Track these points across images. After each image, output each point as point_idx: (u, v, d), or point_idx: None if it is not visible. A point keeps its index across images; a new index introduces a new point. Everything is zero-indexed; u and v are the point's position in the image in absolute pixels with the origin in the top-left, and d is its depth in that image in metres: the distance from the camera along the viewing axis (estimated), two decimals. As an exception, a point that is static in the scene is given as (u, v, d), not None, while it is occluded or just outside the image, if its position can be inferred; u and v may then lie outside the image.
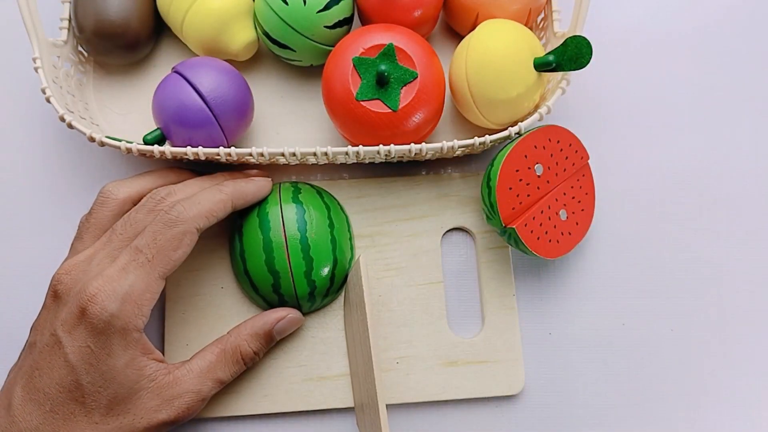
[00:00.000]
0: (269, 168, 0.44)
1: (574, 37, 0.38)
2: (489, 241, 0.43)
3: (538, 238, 0.39)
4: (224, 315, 0.41)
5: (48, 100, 0.39)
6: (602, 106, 0.47)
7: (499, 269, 0.43)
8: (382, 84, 0.38)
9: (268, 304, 0.41)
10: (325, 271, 0.40)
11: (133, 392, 0.34)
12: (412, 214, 0.43)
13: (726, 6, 0.49)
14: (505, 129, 0.40)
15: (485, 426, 0.41)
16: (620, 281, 0.44)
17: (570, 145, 0.41)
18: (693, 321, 0.43)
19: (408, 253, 0.43)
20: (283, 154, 0.38)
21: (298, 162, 0.41)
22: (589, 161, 0.43)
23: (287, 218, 0.39)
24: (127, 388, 0.34)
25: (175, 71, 0.40)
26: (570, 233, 0.41)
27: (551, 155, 0.40)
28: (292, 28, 0.40)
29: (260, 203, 0.40)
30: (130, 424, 0.34)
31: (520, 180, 0.39)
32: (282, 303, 0.40)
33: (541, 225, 0.40)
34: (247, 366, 0.39)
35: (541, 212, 0.40)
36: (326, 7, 0.40)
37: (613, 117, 0.47)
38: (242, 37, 0.42)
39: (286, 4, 0.40)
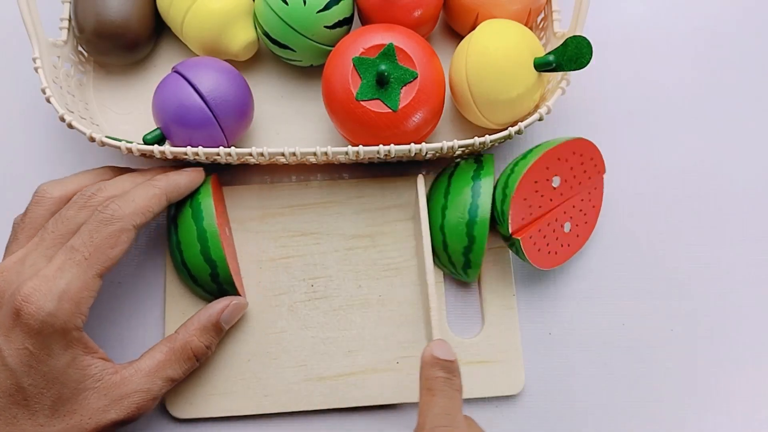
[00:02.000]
0: (269, 168, 0.45)
1: (574, 37, 0.38)
2: (489, 241, 0.43)
3: (539, 250, 0.40)
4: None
5: (48, 100, 0.39)
6: (602, 106, 0.47)
7: (499, 269, 0.43)
8: (382, 84, 0.38)
9: (209, 294, 0.41)
10: None
11: (77, 392, 0.34)
12: (412, 214, 0.43)
13: (726, 6, 0.49)
14: (505, 129, 0.40)
15: (485, 426, 0.41)
16: (620, 281, 0.44)
17: (591, 158, 0.42)
18: (693, 321, 0.43)
19: (408, 253, 0.43)
20: (283, 154, 0.38)
21: (298, 162, 0.41)
22: (604, 175, 0.43)
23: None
24: (71, 389, 0.34)
25: (175, 71, 0.40)
26: (569, 245, 0.41)
27: (571, 168, 0.40)
28: (292, 28, 0.40)
29: (193, 194, 0.40)
30: (77, 425, 0.34)
31: (537, 191, 0.39)
32: (222, 291, 0.40)
33: (544, 237, 0.40)
34: (200, 361, 0.38)
35: (548, 224, 0.40)
36: (326, 7, 0.40)
37: (613, 117, 0.47)
38: (242, 37, 0.42)
39: (286, 4, 0.40)
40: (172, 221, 0.40)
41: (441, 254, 0.41)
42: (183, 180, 0.39)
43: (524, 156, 0.40)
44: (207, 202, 0.39)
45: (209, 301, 0.41)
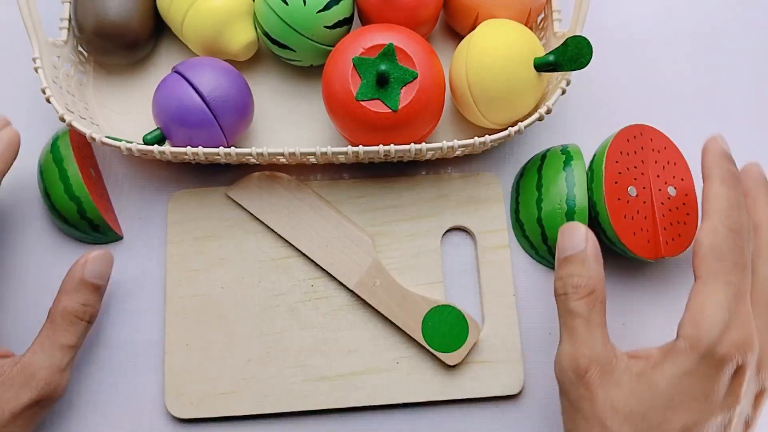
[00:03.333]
0: (269, 168, 0.44)
1: (575, 37, 0.38)
2: (489, 241, 0.43)
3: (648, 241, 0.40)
4: (224, 315, 0.41)
5: (48, 100, 0.39)
6: (602, 106, 0.47)
7: (499, 269, 0.43)
8: (382, 84, 0.38)
9: (85, 234, 0.42)
10: None
11: None
12: (412, 214, 0.43)
13: (726, 6, 0.49)
14: (505, 129, 0.40)
15: (485, 426, 0.41)
16: (620, 281, 0.44)
17: (651, 139, 0.42)
18: (693, 321, 0.43)
19: (408, 253, 0.43)
20: (283, 154, 0.38)
21: (298, 162, 0.41)
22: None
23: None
24: None
25: (175, 71, 0.40)
26: (685, 222, 0.41)
27: (642, 148, 0.41)
28: (292, 28, 0.40)
29: (53, 139, 0.41)
30: None
31: (621, 174, 0.40)
32: (95, 230, 0.41)
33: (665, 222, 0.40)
34: (88, 321, 0.38)
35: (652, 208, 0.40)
36: (326, 7, 0.40)
37: (613, 117, 0.47)
38: (242, 37, 0.42)
39: (286, 4, 0.40)
40: (38, 171, 0.41)
41: (540, 247, 0.42)
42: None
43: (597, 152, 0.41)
44: (65, 143, 0.40)
45: (88, 243, 0.43)
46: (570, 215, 0.40)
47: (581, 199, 0.40)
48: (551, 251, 0.42)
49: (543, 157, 0.43)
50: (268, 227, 0.43)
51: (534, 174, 0.43)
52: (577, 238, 0.35)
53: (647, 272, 0.44)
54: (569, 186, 0.41)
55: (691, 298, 0.32)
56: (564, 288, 0.34)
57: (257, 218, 0.43)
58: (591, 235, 0.35)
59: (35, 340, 0.37)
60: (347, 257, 0.41)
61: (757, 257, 0.34)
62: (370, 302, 0.41)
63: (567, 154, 0.42)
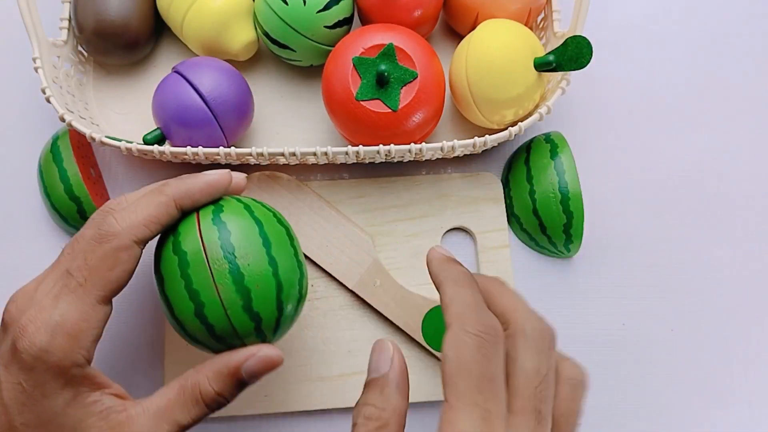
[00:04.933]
0: (269, 168, 0.44)
1: (575, 37, 0.38)
2: (489, 241, 0.43)
3: None
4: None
5: (48, 100, 0.39)
6: (602, 106, 0.47)
7: (499, 269, 0.43)
8: (382, 84, 0.38)
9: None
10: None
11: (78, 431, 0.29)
12: (412, 214, 0.43)
13: (726, 6, 0.49)
14: (505, 129, 0.40)
15: (485, 426, 0.41)
16: (620, 281, 0.44)
17: None
18: (693, 321, 0.43)
19: (408, 253, 0.43)
20: (283, 154, 0.38)
21: (298, 162, 0.41)
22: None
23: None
24: (70, 428, 0.29)
25: (175, 71, 0.40)
26: None
27: None
28: (292, 28, 0.40)
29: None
30: None
31: None
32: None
33: None
34: (211, 410, 0.31)
35: None
36: (326, 7, 0.40)
37: (613, 117, 0.47)
38: (242, 37, 0.42)
39: (286, 4, 0.40)
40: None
41: (539, 237, 0.42)
42: (198, 185, 0.32)
43: None
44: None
45: None
46: (565, 201, 0.41)
47: (573, 184, 0.41)
48: (551, 240, 0.42)
49: (528, 148, 0.44)
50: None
51: (522, 166, 0.43)
52: (381, 360, 0.30)
53: (647, 272, 0.44)
54: (559, 173, 0.41)
55: (439, 427, 0.27)
56: (355, 417, 0.29)
57: None
58: (398, 356, 0.30)
59: (154, 396, 0.31)
60: (347, 257, 0.41)
61: (513, 349, 0.29)
62: (370, 302, 0.41)
63: (552, 143, 0.42)
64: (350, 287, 0.41)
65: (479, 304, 0.30)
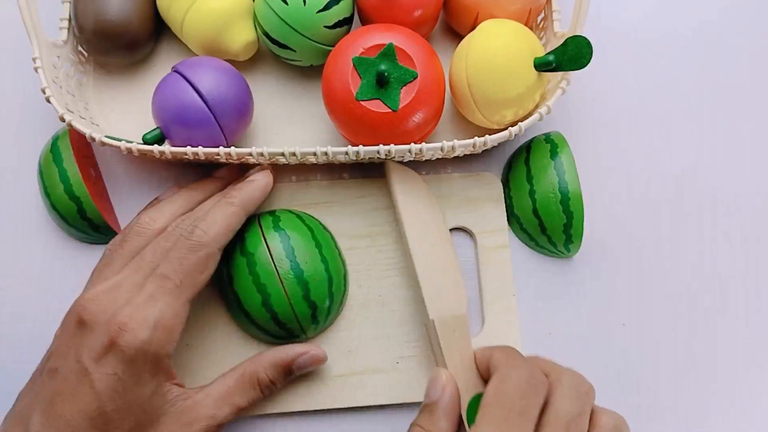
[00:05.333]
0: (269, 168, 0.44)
1: (575, 37, 0.38)
2: (489, 241, 0.43)
3: None
4: (225, 314, 0.41)
5: (48, 100, 0.39)
6: (602, 106, 0.47)
7: (499, 269, 0.43)
8: (382, 84, 0.38)
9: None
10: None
11: (155, 418, 0.34)
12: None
13: (726, 6, 0.49)
14: (505, 129, 0.40)
15: (485, 426, 0.41)
16: (620, 281, 0.44)
17: None
18: (693, 321, 0.43)
19: (408, 253, 0.43)
20: (283, 154, 0.38)
21: (298, 162, 0.41)
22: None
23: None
24: (151, 415, 0.34)
25: (175, 71, 0.40)
26: None
27: None
28: (292, 28, 0.40)
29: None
30: None
31: None
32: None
33: None
34: (264, 395, 0.38)
35: None
36: (326, 7, 0.40)
37: (613, 117, 0.47)
38: (242, 37, 0.42)
39: (286, 4, 0.40)
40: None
41: (539, 237, 0.42)
42: (257, 191, 0.39)
43: None
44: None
45: (89, 243, 0.43)
46: (565, 201, 0.41)
47: (573, 184, 0.41)
48: (551, 240, 0.42)
49: (528, 148, 0.44)
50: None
51: (522, 166, 0.43)
52: (435, 387, 0.34)
53: (647, 272, 0.44)
54: (559, 173, 0.41)
55: None
56: None
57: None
58: (451, 386, 0.34)
59: (214, 383, 0.37)
60: (446, 288, 0.39)
61: (550, 395, 0.32)
62: (437, 341, 0.37)
63: (552, 143, 0.42)
64: (431, 316, 0.38)
65: (526, 360, 0.33)
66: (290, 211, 0.42)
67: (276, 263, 0.38)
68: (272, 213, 0.41)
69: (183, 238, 0.35)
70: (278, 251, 0.39)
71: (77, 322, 0.34)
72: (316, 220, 0.42)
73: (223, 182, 0.42)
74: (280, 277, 0.38)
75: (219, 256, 0.36)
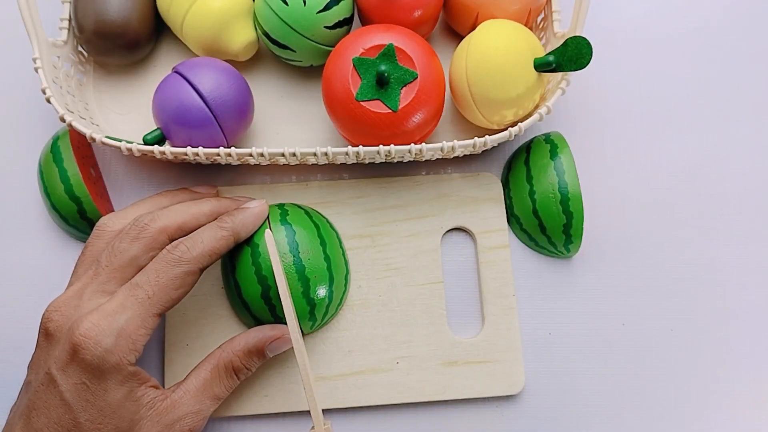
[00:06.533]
0: (269, 168, 0.45)
1: (575, 37, 0.38)
2: (489, 241, 0.43)
3: None
4: (224, 315, 0.42)
5: (48, 100, 0.39)
6: (602, 106, 0.47)
7: (499, 269, 0.43)
8: (382, 84, 0.38)
9: (82, 232, 0.41)
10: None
11: (133, 423, 0.34)
12: (412, 214, 0.43)
13: (726, 6, 0.49)
14: (505, 129, 0.40)
15: (485, 426, 0.41)
16: (620, 281, 0.44)
17: None
18: (693, 321, 0.43)
19: (408, 253, 0.43)
20: (283, 154, 0.39)
21: (298, 162, 0.41)
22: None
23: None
24: (128, 421, 0.33)
25: (176, 71, 0.40)
26: None
27: None
28: (292, 29, 0.40)
29: (53, 139, 0.40)
30: None
31: None
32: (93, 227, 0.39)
33: None
34: (240, 380, 0.38)
35: None
36: (326, 8, 0.40)
37: (613, 117, 0.47)
38: (242, 37, 0.42)
39: (286, 4, 0.40)
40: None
41: (539, 238, 0.42)
42: (250, 218, 0.38)
43: None
44: (65, 143, 0.39)
45: (85, 240, 0.43)
46: (565, 202, 0.41)
47: (573, 184, 0.41)
48: (551, 240, 0.42)
49: (528, 148, 0.44)
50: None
51: (522, 167, 0.43)
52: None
53: (647, 272, 0.44)
54: (559, 173, 0.41)
55: None
56: None
57: None
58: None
59: (188, 379, 0.36)
60: None
61: None
62: None
63: (552, 143, 0.42)
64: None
65: None
66: (299, 206, 0.41)
67: (279, 256, 0.38)
68: (281, 206, 0.41)
69: (165, 251, 0.34)
70: (283, 244, 0.38)
71: (44, 333, 0.34)
72: (324, 217, 0.42)
73: (197, 196, 0.41)
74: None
75: (197, 277, 0.35)
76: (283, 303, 0.36)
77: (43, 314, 0.34)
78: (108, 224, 0.37)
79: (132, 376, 0.33)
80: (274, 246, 0.37)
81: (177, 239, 0.36)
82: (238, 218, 0.38)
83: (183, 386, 0.36)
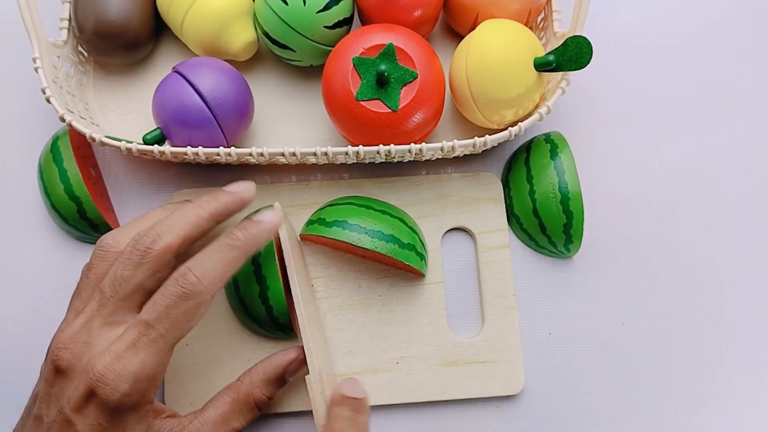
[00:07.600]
0: (269, 168, 0.45)
1: (575, 37, 0.38)
2: (489, 241, 0.43)
3: None
4: (224, 315, 0.42)
5: (48, 100, 0.39)
6: (602, 106, 0.47)
7: (499, 269, 0.43)
8: (382, 84, 0.38)
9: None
10: None
11: None
12: (412, 214, 0.43)
13: (725, 6, 0.49)
14: (505, 129, 0.40)
15: (485, 426, 0.41)
16: (620, 281, 0.44)
17: None
18: (693, 321, 0.43)
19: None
20: (283, 154, 0.38)
21: (298, 162, 0.41)
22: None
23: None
24: None
25: (175, 71, 0.40)
26: None
27: None
28: (292, 29, 0.40)
29: (53, 140, 0.39)
30: None
31: None
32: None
33: None
34: (262, 412, 0.38)
35: None
36: (326, 8, 0.40)
37: (613, 117, 0.47)
38: (242, 37, 0.42)
39: (286, 4, 0.40)
40: (38, 171, 0.40)
41: (539, 237, 0.42)
42: (263, 233, 0.35)
43: None
44: (65, 143, 0.39)
45: (89, 243, 0.43)
46: (565, 201, 0.41)
47: (573, 184, 0.41)
48: (551, 240, 0.42)
49: (528, 148, 0.44)
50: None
51: (522, 166, 0.43)
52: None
53: (647, 272, 0.44)
54: (559, 173, 0.41)
55: None
56: None
57: None
58: None
59: (207, 410, 0.36)
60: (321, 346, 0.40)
61: None
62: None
63: (552, 143, 0.42)
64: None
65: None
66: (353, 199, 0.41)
67: (279, 257, 0.38)
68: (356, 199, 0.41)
69: (174, 282, 0.32)
70: (284, 245, 0.38)
71: (54, 369, 0.32)
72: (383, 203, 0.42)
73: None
74: (281, 272, 0.38)
75: (210, 305, 0.33)
76: (293, 292, 0.36)
77: (51, 348, 0.33)
78: (111, 243, 0.35)
79: (153, 410, 0.33)
80: (287, 242, 0.37)
81: (182, 255, 0.34)
82: (250, 233, 0.35)
83: (201, 417, 0.35)
